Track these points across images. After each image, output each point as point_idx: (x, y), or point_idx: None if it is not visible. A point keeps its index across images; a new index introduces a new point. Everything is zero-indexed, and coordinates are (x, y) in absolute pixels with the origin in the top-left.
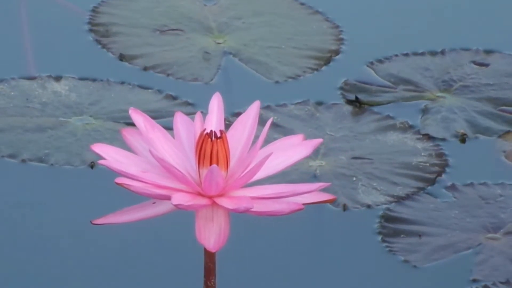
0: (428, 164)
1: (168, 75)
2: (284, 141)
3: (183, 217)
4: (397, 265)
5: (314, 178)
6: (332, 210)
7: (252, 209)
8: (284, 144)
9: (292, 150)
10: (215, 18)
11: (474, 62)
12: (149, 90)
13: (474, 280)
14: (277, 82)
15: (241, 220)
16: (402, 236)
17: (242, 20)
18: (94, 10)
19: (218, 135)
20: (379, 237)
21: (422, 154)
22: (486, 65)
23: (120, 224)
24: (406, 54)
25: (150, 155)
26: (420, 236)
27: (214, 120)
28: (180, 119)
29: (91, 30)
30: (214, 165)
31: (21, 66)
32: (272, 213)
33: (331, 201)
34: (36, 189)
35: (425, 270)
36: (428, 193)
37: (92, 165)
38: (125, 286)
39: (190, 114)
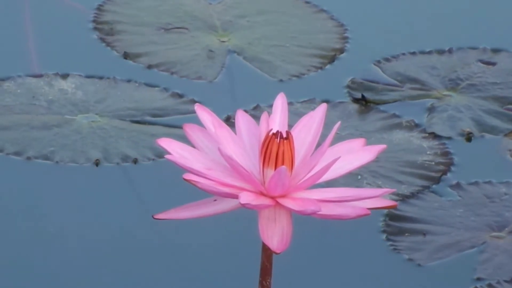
0: (433, 163)
1: (172, 73)
2: (345, 145)
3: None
4: (401, 263)
5: None
6: None
7: (318, 212)
8: (345, 148)
9: (354, 154)
10: (219, 17)
11: (481, 61)
12: (155, 88)
13: (478, 279)
14: (281, 80)
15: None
16: (406, 234)
17: (247, 18)
18: (99, 8)
19: (284, 135)
20: (384, 236)
21: (428, 152)
22: (493, 64)
23: (175, 220)
24: (413, 53)
25: (212, 152)
26: (424, 234)
27: (277, 120)
28: (241, 118)
29: (95, 28)
30: (284, 167)
31: (25, 64)
32: (337, 217)
33: (393, 207)
34: (40, 186)
35: (429, 268)
36: (433, 192)
37: (97, 163)
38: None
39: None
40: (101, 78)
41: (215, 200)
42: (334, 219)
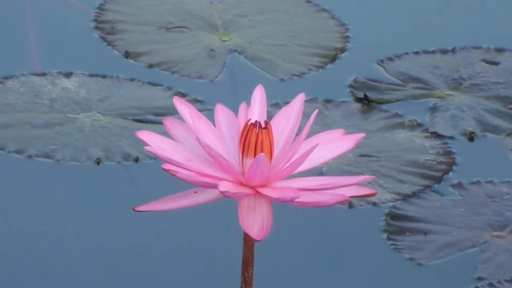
0: (435, 162)
1: (173, 72)
2: (324, 136)
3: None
4: (402, 263)
5: (321, 175)
6: (337, 207)
7: (297, 199)
8: (325, 138)
9: (333, 143)
10: (220, 16)
11: (485, 61)
12: (158, 87)
13: (479, 278)
14: (282, 79)
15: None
16: (407, 234)
17: (248, 17)
18: (100, 8)
19: (263, 125)
20: (385, 235)
21: (430, 152)
22: (497, 63)
23: (156, 212)
24: (417, 52)
25: (191, 145)
26: (425, 234)
27: (256, 111)
28: (221, 111)
29: (96, 28)
30: (262, 154)
31: (28, 63)
32: (317, 204)
33: (372, 195)
34: (41, 185)
35: (430, 268)
36: (434, 191)
37: (98, 162)
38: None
39: (199, 111)
40: (104, 77)
41: (196, 191)
42: (314, 206)
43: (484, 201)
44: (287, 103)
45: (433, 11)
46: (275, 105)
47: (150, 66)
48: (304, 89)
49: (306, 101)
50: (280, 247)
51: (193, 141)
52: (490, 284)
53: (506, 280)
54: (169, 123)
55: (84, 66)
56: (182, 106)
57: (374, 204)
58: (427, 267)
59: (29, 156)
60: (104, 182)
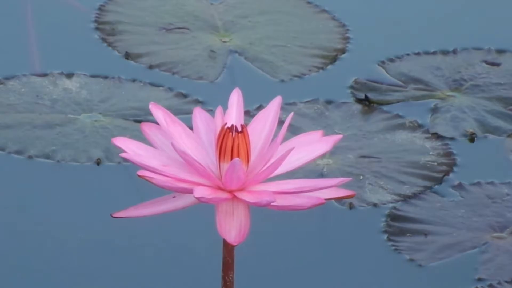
0: (436, 163)
1: (173, 73)
2: (303, 137)
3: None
4: (402, 263)
5: (321, 176)
6: (338, 208)
7: (273, 203)
8: (303, 140)
9: (312, 145)
10: (221, 17)
11: (486, 62)
12: (160, 88)
13: (480, 279)
14: (282, 80)
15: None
16: (408, 235)
17: (248, 18)
18: (101, 9)
19: (239, 129)
20: (385, 236)
21: (430, 153)
22: (498, 64)
23: (134, 217)
24: (418, 53)
25: (170, 149)
26: (426, 235)
27: (234, 115)
28: (199, 115)
29: (97, 28)
30: (237, 159)
31: (29, 63)
32: (293, 207)
33: (351, 197)
34: (41, 185)
35: (431, 269)
36: (435, 192)
37: (98, 162)
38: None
39: None
40: (105, 77)
41: (174, 196)
42: (291, 210)
43: (485, 202)
44: (287, 104)
45: (434, 12)
46: None
47: (151, 67)
48: (304, 90)
49: (307, 102)
50: (280, 248)
51: (171, 146)
52: (490, 285)
53: (506, 281)
54: (147, 127)
55: (84, 67)
56: (157, 111)
57: (375, 205)
58: (427, 268)
59: (30, 157)
60: (104, 183)
